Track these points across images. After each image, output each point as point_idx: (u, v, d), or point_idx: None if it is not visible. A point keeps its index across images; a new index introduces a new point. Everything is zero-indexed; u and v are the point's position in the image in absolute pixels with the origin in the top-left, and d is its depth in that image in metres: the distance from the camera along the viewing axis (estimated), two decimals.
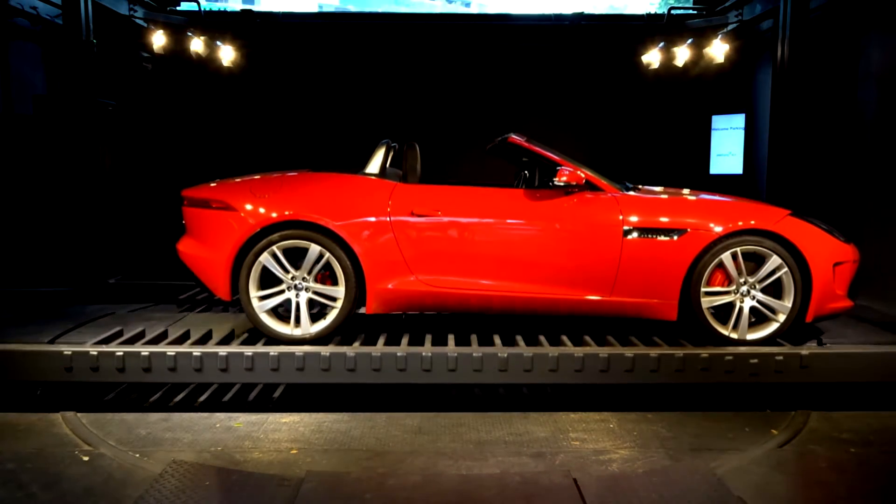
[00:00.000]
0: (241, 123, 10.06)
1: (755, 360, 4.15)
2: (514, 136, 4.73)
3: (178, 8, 9.68)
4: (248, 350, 4.09)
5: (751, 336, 4.48)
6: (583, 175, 4.47)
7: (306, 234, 4.39)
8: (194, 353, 4.04)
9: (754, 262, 4.46)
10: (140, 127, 9.36)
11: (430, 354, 4.10)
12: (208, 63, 9.20)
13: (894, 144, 6.18)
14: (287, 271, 4.40)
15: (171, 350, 4.08)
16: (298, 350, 4.11)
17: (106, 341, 4.47)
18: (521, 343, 4.49)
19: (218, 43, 9.11)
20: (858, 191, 6.66)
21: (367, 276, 4.43)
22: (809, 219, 4.63)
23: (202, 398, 4.45)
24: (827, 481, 3.28)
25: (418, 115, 10.04)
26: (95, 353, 4.05)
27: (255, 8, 10.54)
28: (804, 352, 4.17)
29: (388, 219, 4.45)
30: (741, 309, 4.46)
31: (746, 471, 3.38)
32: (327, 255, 4.38)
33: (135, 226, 8.77)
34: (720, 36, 8.72)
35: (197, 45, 8.90)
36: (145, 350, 4.08)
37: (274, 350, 4.09)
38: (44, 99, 7.69)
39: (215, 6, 10.41)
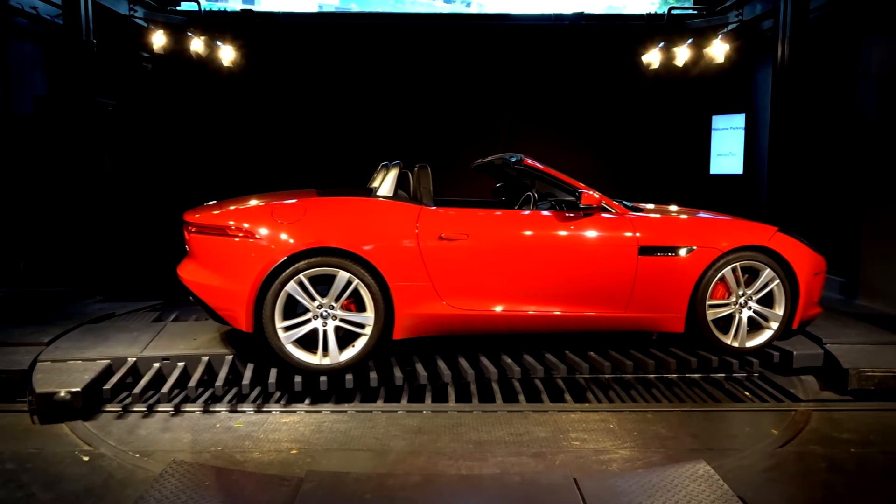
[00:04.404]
0: (241, 123, 10.06)
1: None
2: (528, 160, 4.80)
3: (178, 8, 9.68)
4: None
5: (749, 344, 4.74)
6: (598, 197, 4.61)
7: (335, 261, 4.28)
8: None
9: (747, 275, 4.74)
10: (140, 127, 9.36)
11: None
12: (208, 63, 9.20)
13: (894, 144, 6.18)
14: (313, 299, 4.29)
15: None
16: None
17: (101, 378, 4.28)
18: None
19: (218, 43, 9.11)
20: (858, 191, 6.66)
21: (395, 301, 4.36)
22: (792, 233, 4.92)
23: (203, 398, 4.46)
24: (827, 481, 3.28)
25: (418, 113, 10.05)
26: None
27: (255, 8, 10.52)
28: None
29: (417, 243, 4.40)
30: (740, 319, 4.72)
31: (746, 471, 3.38)
32: (356, 281, 4.29)
33: (132, 230, 8.76)
34: (720, 36, 8.72)
35: (197, 45, 8.90)
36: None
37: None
38: (44, 99, 7.69)
39: (215, 6, 10.39)
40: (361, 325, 4.36)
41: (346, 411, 4.17)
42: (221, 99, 9.95)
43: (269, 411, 4.16)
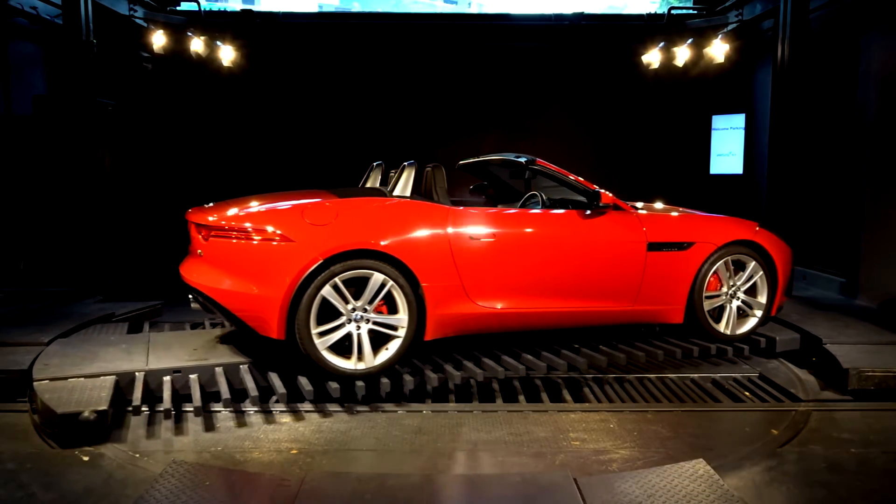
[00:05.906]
0: (241, 123, 10.07)
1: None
2: (540, 160, 4.88)
3: (178, 8, 9.68)
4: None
5: (739, 331, 5.12)
6: (611, 196, 4.79)
7: (370, 263, 4.20)
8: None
9: (734, 267, 5.09)
10: (140, 127, 9.36)
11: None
12: (208, 63, 9.21)
13: (894, 144, 6.18)
14: (347, 303, 4.19)
15: None
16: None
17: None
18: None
19: (218, 43, 9.12)
20: (858, 191, 6.66)
21: (428, 302, 4.33)
22: (767, 228, 5.31)
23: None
24: (827, 481, 3.28)
25: (417, 113, 10.05)
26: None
27: (255, 8, 10.53)
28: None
29: (448, 243, 4.41)
30: (730, 309, 5.09)
31: (746, 471, 3.38)
32: (390, 283, 4.22)
33: (132, 230, 8.76)
34: (720, 36, 8.73)
35: (197, 45, 8.91)
36: None
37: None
38: (44, 99, 7.70)
39: (215, 6, 10.41)
40: (394, 328, 4.29)
41: (345, 411, 4.16)
42: (221, 99, 9.95)
43: (270, 411, 4.15)
